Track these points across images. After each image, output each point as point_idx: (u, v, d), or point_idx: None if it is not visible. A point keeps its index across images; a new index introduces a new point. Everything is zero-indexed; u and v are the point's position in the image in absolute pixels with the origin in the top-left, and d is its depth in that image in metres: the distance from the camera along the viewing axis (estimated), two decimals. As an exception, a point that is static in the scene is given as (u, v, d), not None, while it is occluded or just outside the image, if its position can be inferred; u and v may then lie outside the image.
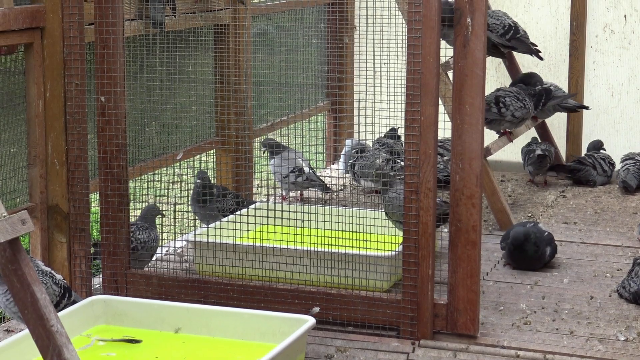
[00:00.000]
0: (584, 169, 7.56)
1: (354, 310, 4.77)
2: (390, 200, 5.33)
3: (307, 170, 6.61)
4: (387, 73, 5.06)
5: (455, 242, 4.59)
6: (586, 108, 7.67)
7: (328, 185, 6.95)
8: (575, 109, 7.63)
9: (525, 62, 7.91)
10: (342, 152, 7.61)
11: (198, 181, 5.77)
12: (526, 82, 7.24)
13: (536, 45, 7.13)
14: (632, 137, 7.98)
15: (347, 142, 7.59)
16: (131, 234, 5.20)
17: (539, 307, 5.11)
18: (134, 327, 4.61)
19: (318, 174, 6.85)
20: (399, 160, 6.93)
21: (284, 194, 6.77)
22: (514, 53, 7.47)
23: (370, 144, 7.41)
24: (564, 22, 8.00)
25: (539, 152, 7.47)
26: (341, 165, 7.61)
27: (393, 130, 7.44)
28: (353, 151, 7.16)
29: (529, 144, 7.67)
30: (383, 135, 7.45)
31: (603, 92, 8.02)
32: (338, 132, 8.06)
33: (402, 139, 4.65)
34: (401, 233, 4.72)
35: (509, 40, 6.87)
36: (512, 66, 7.72)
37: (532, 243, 5.59)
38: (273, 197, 6.76)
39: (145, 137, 5.80)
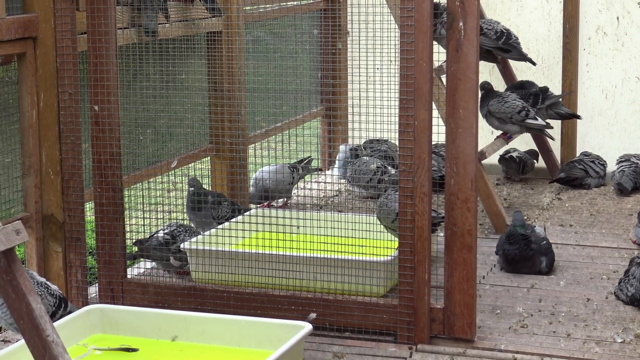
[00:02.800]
0: (576, 180, 7.58)
1: (351, 315, 4.76)
2: (380, 206, 5.33)
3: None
4: (381, 78, 5.06)
5: (451, 246, 4.59)
6: (578, 117, 7.68)
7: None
8: (568, 116, 7.64)
9: (519, 66, 7.91)
10: (337, 158, 7.60)
11: (191, 189, 5.77)
12: (522, 87, 7.31)
13: (527, 55, 7.15)
14: (626, 139, 7.99)
15: (342, 147, 7.59)
16: (178, 233, 5.32)
17: (536, 310, 5.11)
18: (131, 336, 4.60)
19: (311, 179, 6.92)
20: (390, 167, 6.94)
21: (283, 201, 6.76)
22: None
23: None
24: (557, 25, 8.01)
25: (506, 156, 7.78)
26: (336, 171, 7.60)
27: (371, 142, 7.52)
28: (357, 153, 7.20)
29: (512, 149, 7.79)
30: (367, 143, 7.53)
31: (597, 94, 8.02)
32: (332, 137, 8.06)
33: (397, 143, 4.65)
34: (395, 238, 4.71)
35: (503, 44, 6.89)
36: (505, 70, 7.73)
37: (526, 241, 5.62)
38: (267, 203, 6.75)
39: (139, 145, 5.80)
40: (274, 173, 6.46)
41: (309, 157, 6.89)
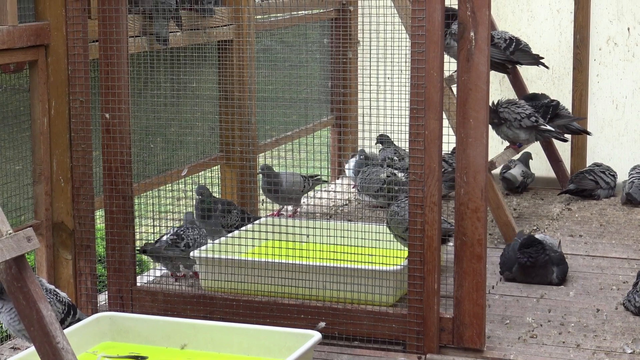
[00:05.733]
0: (586, 191, 7.56)
1: (360, 325, 4.76)
2: (392, 215, 5.33)
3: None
4: (391, 87, 5.07)
5: (460, 256, 4.59)
6: (588, 134, 7.67)
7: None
8: (579, 132, 7.62)
9: (529, 76, 7.91)
10: (352, 166, 7.56)
11: (198, 197, 5.78)
12: (534, 99, 7.33)
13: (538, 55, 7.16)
14: (636, 150, 7.97)
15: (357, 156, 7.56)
16: (182, 232, 5.40)
17: (545, 320, 5.10)
18: (140, 344, 4.61)
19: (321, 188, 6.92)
20: (399, 173, 6.93)
21: (293, 210, 6.75)
22: (518, 66, 7.48)
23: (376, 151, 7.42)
24: (568, 35, 8.01)
25: (504, 174, 7.73)
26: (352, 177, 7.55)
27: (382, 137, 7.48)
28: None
29: (511, 161, 7.76)
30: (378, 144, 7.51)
31: (607, 104, 8.02)
32: (342, 146, 8.06)
33: (407, 152, 4.65)
34: (405, 247, 4.71)
35: (512, 52, 6.90)
36: (516, 80, 7.73)
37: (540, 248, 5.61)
38: (277, 212, 6.75)
39: (150, 153, 5.81)
40: (291, 175, 6.46)
41: (318, 175, 6.87)
